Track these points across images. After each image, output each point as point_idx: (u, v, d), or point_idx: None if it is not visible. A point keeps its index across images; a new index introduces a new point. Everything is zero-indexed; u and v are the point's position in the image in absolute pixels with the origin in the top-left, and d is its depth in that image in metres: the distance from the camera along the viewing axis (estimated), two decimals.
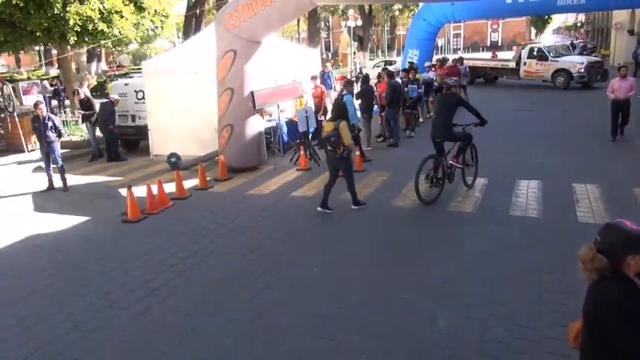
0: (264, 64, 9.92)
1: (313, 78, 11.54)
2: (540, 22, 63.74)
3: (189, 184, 9.13)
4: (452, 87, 7.66)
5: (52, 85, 22.55)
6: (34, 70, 41.61)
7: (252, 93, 9.45)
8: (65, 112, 14.72)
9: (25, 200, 8.89)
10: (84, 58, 22.71)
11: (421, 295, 4.68)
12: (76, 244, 6.56)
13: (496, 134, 11.61)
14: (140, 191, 7.99)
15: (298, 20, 43.36)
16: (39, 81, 24.10)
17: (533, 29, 67.54)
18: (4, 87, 12.06)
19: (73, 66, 23.98)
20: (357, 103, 11.34)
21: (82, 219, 7.62)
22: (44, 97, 20.95)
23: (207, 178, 9.24)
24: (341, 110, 7.03)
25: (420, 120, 14.06)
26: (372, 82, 12.31)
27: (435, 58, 17.54)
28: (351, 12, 31.81)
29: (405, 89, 12.10)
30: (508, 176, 8.42)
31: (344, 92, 10.06)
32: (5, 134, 12.84)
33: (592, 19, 51.00)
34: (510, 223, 6.42)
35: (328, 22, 59.74)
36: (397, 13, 37.92)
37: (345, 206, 7.42)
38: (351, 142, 6.94)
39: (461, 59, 16.74)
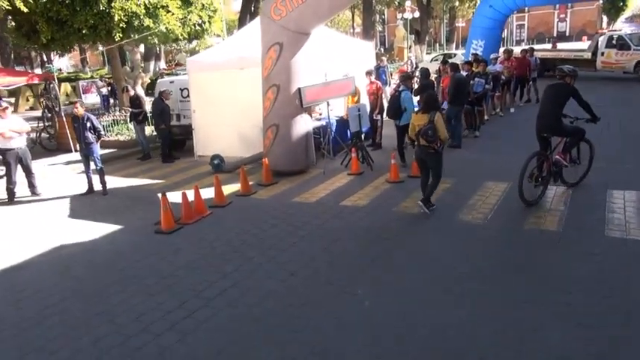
0: (313, 58, 9.04)
1: (368, 73, 10.53)
2: (614, 10, 59.14)
3: (231, 188, 8.45)
4: (567, 75, 6.55)
5: (108, 85, 22.85)
6: (97, 70, 43.12)
7: (299, 90, 8.61)
8: (119, 110, 14.53)
9: (62, 204, 8.51)
10: (138, 56, 22.79)
11: (502, 348, 3.64)
12: (102, 259, 5.96)
13: None
14: (179, 197, 7.34)
15: (353, 14, 42.25)
16: (98, 79, 24.56)
17: (604, 18, 62.81)
18: (52, 86, 11.91)
19: (128, 65, 24.25)
20: (415, 99, 10.27)
21: (114, 228, 7.07)
22: (101, 96, 21.22)
23: (250, 183, 8.51)
24: (433, 102, 6.38)
25: (486, 117, 12.71)
26: (432, 76, 11.16)
27: (500, 49, 16.05)
28: (408, 3, 30.44)
29: (471, 83, 10.85)
30: (598, 186, 7.09)
31: (401, 88, 9.01)
32: (54, 134, 12.75)
33: None
34: (609, 247, 5.20)
35: (383, 15, 58.15)
36: (457, 3, 35.96)
37: (402, 219, 6.43)
38: (447, 135, 6.35)
39: (531, 50, 15.14)
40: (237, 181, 8.67)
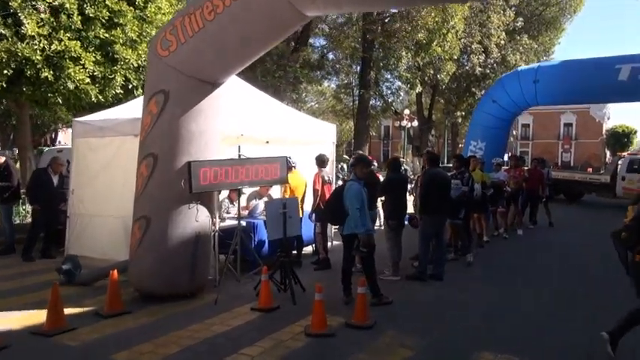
0: (222, 122, 6.01)
1: (319, 161, 7.44)
2: (618, 145, 58.67)
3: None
4: None
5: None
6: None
7: (188, 165, 5.42)
8: None
9: None
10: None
11: None
12: None
13: (562, 283, 6.96)
14: None
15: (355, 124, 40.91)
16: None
17: (607, 152, 62.24)
18: None
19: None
20: (379, 202, 7.10)
21: None
22: None
23: (80, 311, 5.02)
24: None
25: (485, 239, 9.39)
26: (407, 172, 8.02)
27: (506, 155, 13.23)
28: (406, 111, 28.68)
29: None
30: None
31: (351, 176, 5.84)
32: None
33: None
34: None
35: (388, 127, 57.30)
36: (460, 120, 34.31)
37: None
38: None
39: (543, 160, 12.23)
40: (92, 298, 5.28)
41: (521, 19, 28.45)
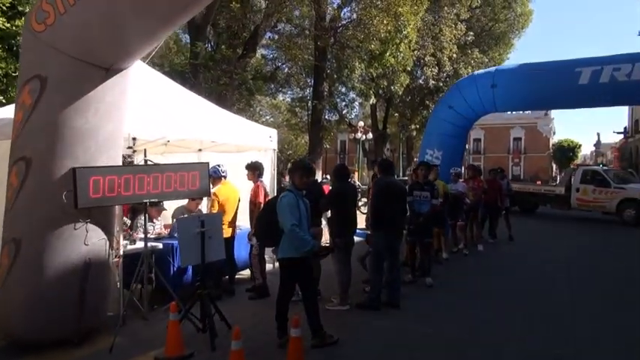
0: (146, 128, 4.81)
1: (251, 168, 6.29)
2: (564, 159, 60.74)
3: None
4: None
5: None
6: None
7: (73, 172, 4.17)
8: None
9: None
10: None
11: None
12: None
13: (532, 307, 6.12)
14: None
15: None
16: None
17: (554, 165, 64.41)
18: None
19: None
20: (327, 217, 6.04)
21: None
22: None
23: None
24: None
25: (444, 256, 8.49)
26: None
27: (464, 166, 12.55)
28: (361, 123, 27.99)
29: (410, 199, 6.58)
30: None
31: (287, 186, 4.77)
32: None
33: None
34: None
35: (345, 142, 56.77)
36: (414, 133, 33.97)
37: None
38: None
39: (502, 171, 11.56)
40: None
41: (472, 33, 28.59)
